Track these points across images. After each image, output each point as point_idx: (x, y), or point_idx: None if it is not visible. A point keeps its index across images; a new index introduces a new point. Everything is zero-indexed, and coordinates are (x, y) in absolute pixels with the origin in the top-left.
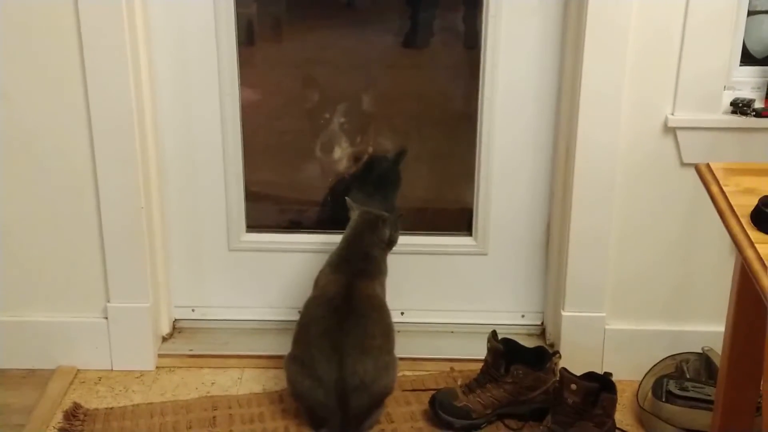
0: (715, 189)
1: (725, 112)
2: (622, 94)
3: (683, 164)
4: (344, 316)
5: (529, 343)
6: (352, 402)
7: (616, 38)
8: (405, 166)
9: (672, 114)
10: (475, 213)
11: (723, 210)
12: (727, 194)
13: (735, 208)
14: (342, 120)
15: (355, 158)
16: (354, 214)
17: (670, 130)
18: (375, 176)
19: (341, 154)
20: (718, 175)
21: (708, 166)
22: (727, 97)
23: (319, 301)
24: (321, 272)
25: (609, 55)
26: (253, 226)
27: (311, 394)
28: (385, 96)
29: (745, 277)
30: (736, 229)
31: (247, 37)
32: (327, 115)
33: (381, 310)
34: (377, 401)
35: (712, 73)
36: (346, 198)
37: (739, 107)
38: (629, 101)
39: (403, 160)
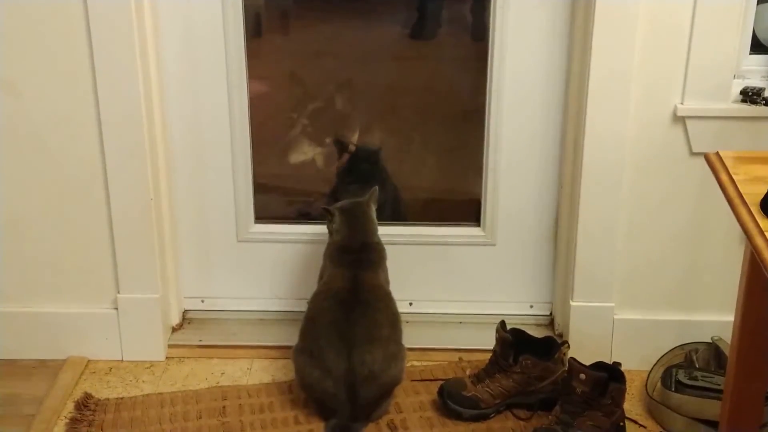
0: (724, 177)
1: (735, 101)
2: (631, 84)
3: (692, 153)
4: (351, 307)
5: (537, 333)
6: (361, 392)
7: (625, 28)
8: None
9: (681, 103)
10: (483, 204)
11: (732, 198)
12: (737, 183)
13: (745, 197)
14: (348, 111)
15: (351, 153)
16: (337, 218)
17: (679, 120)
18: (367, 172)
19: (343, 148)
20: (728, 163)
21: (717, 154)
22: (737, 86)
23: (325, 294)
24: (323, 267)
25: (617, 45)
26: (261, 217)
27: (320, 385)
28: (392, 88)
29: (754, 266)
30: (746, 217)
31: (255, 28)
32: (332, 108)
33: (387, 300)
34: (386, 391)
35: (722, 61)
36: (324, 207)
37: (749, 96)
38: (638, 91)
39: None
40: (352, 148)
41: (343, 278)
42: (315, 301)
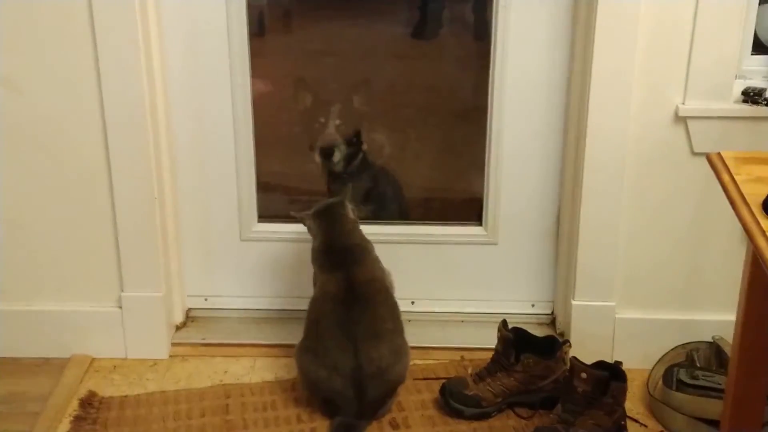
0: (726, 178)
1: (736, 101)
2: (633, 83)
3: (694, 153)
4: (351, 305)
5: (539, 332)
6: (369, 389)
7: (627, 27)
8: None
9: (683, 103)
10: (485, 203)
11: (734, 199)
12: (739, 183)
13: (746, 197)
14: (353, 107)
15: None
16: (310, 221)
17: (680, 120)
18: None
19: (347, 148)
20: (730, 164)
21: (719, 155)
22: (739, 86)
23: (323, 299)
24: (314, 274)
25: (619, 44)
26: (264, 216)
27: (327, 384)
28: (394, 87)
29: (756, 266)
30: (748, 217)
31: (258, 28)
32: (332, 109)
33: (384, 292)
34: (392, 388)
35: (723, 62)
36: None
37: (751, 96)
38: (640, 91)
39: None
40: (365, 147)
41: (336, 281)
42: (314, 305)
